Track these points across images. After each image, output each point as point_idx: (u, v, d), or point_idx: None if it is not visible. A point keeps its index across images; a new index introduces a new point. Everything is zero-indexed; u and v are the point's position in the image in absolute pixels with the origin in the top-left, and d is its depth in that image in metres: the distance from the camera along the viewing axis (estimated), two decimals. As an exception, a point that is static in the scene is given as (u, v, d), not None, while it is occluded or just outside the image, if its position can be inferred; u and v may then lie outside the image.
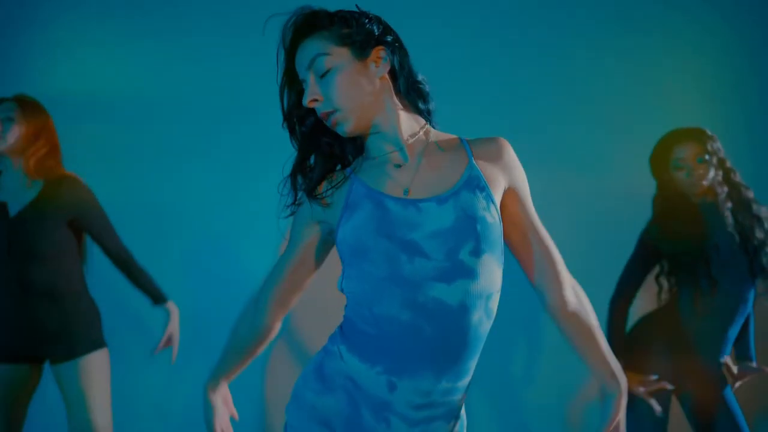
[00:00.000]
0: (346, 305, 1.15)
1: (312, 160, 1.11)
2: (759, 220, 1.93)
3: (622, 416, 1.11)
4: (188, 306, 3.26)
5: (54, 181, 1.99)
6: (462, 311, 1.00)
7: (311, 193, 1.09)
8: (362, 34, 1.06)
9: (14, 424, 2.07)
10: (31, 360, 2.08)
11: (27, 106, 2.03)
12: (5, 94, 4.04)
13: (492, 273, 1.03)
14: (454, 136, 1.16)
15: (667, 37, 3.61)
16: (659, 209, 2.05)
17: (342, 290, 1.13)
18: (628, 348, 2.00)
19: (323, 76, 1.04)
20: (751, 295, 1.97)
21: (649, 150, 2.28)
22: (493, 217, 1.02)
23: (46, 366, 2.14)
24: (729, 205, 1.94)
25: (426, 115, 1.17)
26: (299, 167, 1.09)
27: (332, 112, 1.04)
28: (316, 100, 1.04)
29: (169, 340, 2.21)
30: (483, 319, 1.03)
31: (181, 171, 3.72)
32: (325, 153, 1.10)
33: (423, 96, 1.17)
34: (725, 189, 1.96)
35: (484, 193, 1.02)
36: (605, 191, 3.08)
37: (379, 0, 2.88)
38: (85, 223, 2.07)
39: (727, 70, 3.58)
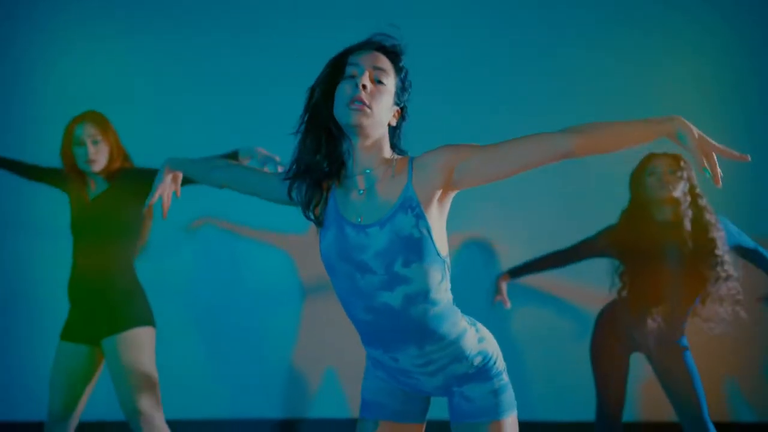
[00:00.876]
0: None
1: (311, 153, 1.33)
2: (713, 242, 2.10)
3: (699, 133, 1.22)
4: (223, 297, 3.51)
5: (116, 179, 2.32)
6: (405, 308, 1.28)
7: (308, 212, 1.36)
8: (405, 91, 1.38)
9: (69, 400, 2.24)
10: (88, 341, 2.25)
11: (103, 125, 2.35)
12: (5, 91, 4.05)
13: (424, 275, 1.28)
14: (406, 158, 1.37)
15: (667, 37, 3.63)
16: (623, 222, 2.29)
17: None
18: (608, 319, 2.38)
19: (375, 82, 1.30)
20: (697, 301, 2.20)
21: (647, 151, 2.39)
22: (420, 232, 1.26)
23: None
24: (688, 228, 2.14)
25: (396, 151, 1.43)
26: (308, 133, 1.32)
27: (365, 102, 1.27)
28: (365, 87, 1.27)
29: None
30: (428, 308, 1.30)
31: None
32: (322, 133, 1.32)
33: (401, 152, 1.42)
34: (690, 212, 2.15)
35: (414, 212, 1.26)
36: (607, 191, 3.09)
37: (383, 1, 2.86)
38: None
39: (726, 70, 3.60)
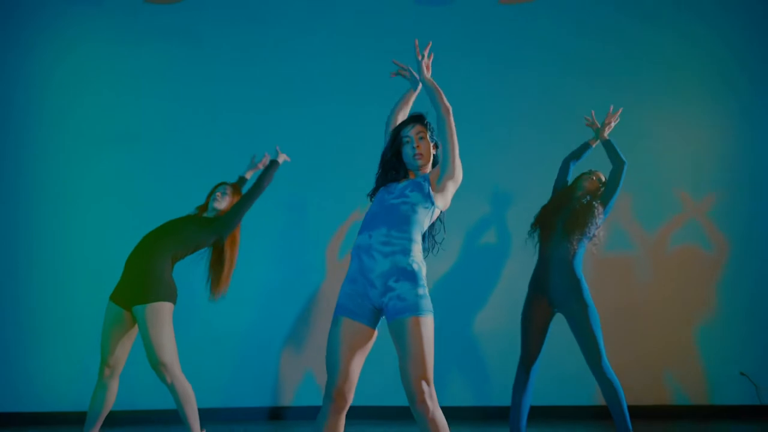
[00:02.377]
0: None
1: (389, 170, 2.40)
2: (593, 210, 3.30)
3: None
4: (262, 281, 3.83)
5: (218, 215, 3.19)
6: (397, 206, 2.25)
7: (372, 197, 2.42)
8: (433, 132, 2.40)
9: (110, 350, 2.88)
10: (124, 305, 2.88)
11: (232, 187, 3.27)
12: (9, 95, 3.98)
13: (416, 198, 2.26)
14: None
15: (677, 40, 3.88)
16: (567, 187, 3.49)
17: None
18: (534, 280, 3.36)
19: (419, 140, 2.36)
20: (581, 247, 3.33)
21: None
22: (422, 182, 2.30)
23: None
24: (584, 201, 3.37)
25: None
26: (384, 168, 2.41)
27: (422, 154, 2.36)
28: (419, 147, 2.36)
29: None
30: (408, 210, 2.25)
31: (188, 177, 3.86)
32: (392, 167, 2.40)
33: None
34: (590, 198, 3.38)
35: (424, 178, 2.31)
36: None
37: (388, 17, 3.07)
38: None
39: (723, 75, 3.80)
